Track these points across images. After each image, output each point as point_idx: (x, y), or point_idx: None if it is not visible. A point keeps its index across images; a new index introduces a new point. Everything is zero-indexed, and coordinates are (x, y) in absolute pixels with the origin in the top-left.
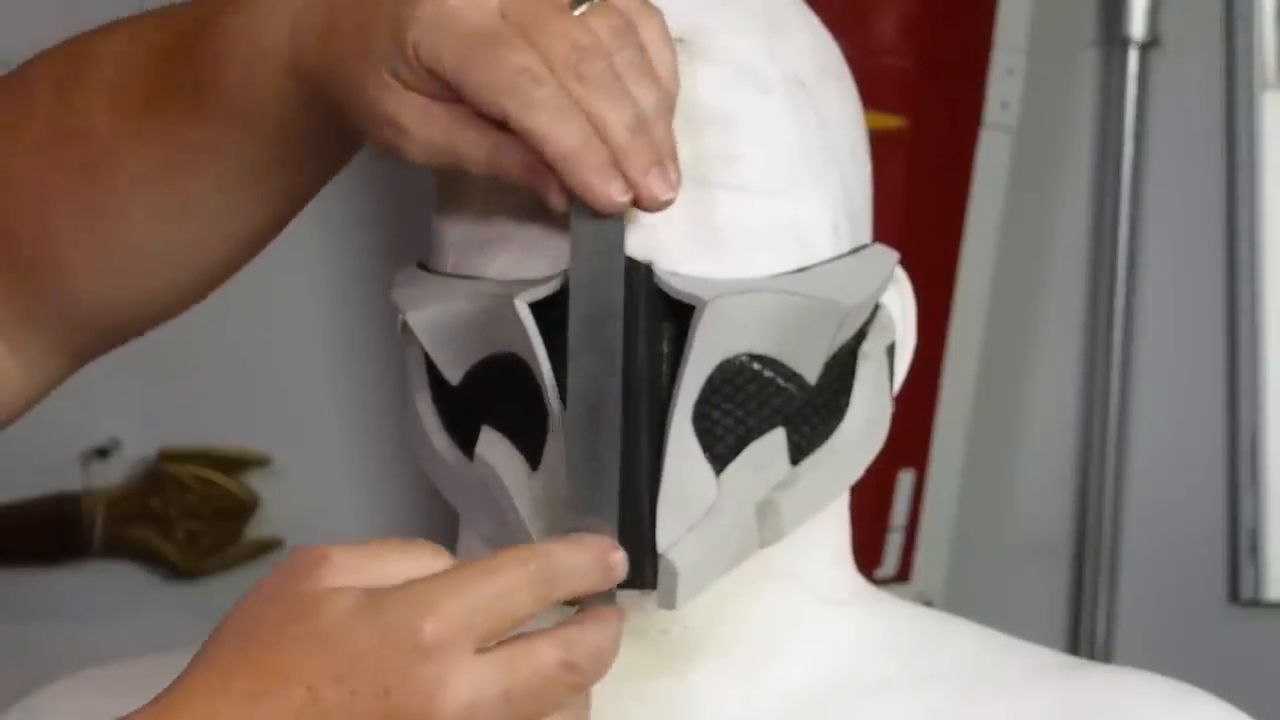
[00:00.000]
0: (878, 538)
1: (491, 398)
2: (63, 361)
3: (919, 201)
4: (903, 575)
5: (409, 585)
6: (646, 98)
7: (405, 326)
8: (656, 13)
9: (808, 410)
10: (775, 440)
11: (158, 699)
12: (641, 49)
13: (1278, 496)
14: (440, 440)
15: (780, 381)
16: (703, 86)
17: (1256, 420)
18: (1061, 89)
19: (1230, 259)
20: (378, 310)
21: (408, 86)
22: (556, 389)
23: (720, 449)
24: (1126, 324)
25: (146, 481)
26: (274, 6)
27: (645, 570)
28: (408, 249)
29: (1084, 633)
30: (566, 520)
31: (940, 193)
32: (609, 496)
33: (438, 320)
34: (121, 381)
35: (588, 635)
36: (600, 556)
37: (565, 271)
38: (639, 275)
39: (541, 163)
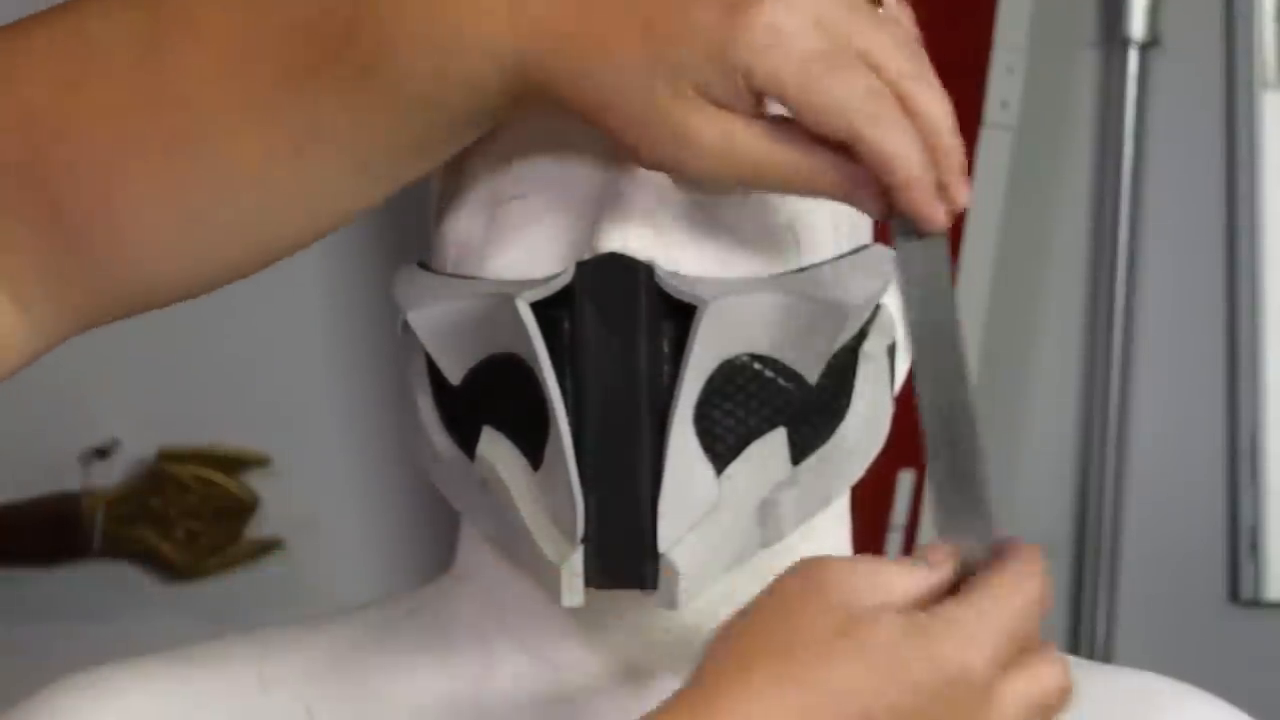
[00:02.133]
0: (878, 538)
1: (492, 398)
2: (70, 325)
3: None
4: None
5: (945, 616)
6: (944, 105)
7: (406, 326)
8: (904, 6)
9: (808, 410)
10: (776, 440)
11: (685, 699)
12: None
13: (1278, 496)
14: (441, 440)
15: (781, 381)
16: None
17: (1256, 420)
18: (1061, 89)
19: (1230, 259)
20: (378, 310)
21: (718, 104)
22: (559, 389)
23: (721, 449)
24: (1126, 324)
25: (146, 481)
26: None
27: (646, 570)
28: (408, 249)
29: (1084, 633)
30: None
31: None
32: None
33: (439, 320)
34: (121, 381)
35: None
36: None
37: (566, 271)
38: (639, 275)
39: (870, 180)
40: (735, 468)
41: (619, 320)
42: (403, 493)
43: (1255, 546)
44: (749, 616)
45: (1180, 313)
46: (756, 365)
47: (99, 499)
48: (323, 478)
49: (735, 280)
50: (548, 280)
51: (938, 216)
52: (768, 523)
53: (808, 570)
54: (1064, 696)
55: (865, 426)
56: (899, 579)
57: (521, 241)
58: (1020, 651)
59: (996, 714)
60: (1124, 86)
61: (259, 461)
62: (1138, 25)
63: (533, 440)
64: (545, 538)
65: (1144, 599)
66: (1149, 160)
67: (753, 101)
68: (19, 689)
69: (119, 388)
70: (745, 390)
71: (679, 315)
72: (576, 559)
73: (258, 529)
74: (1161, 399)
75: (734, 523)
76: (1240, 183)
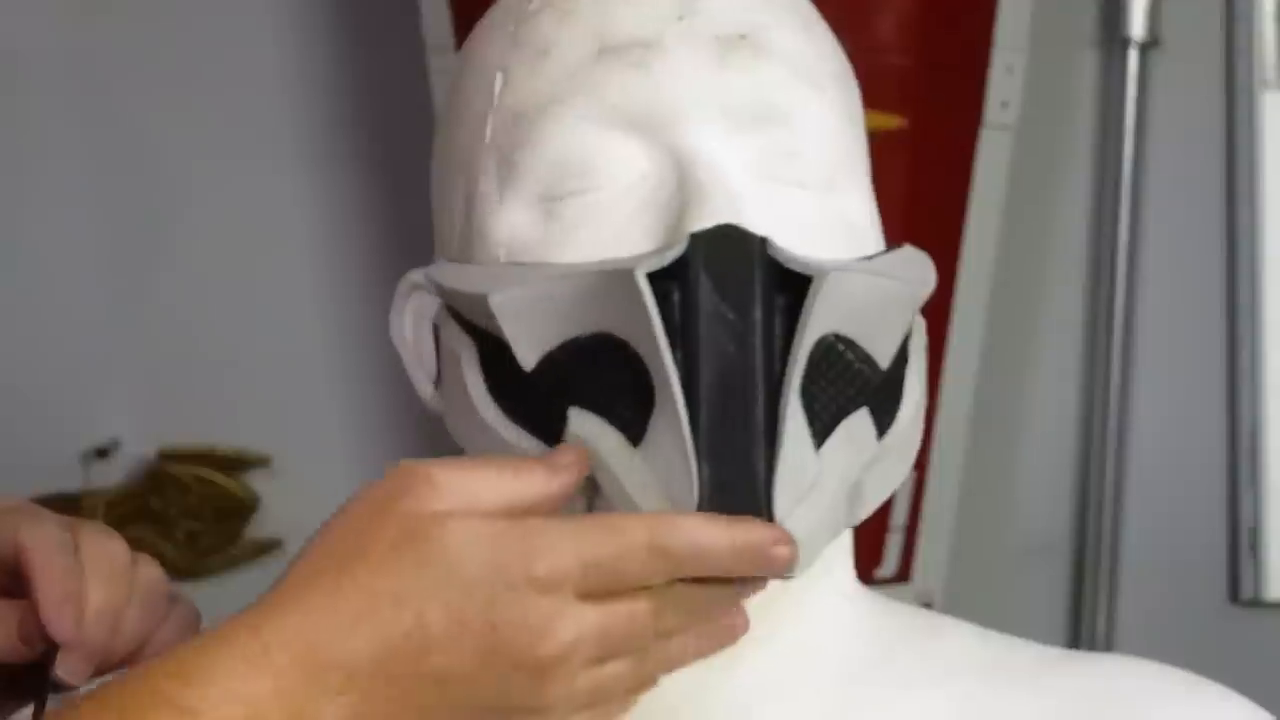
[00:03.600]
0: (878, 538)
1: (580, 378)
2: None
3: (919, 201)
4: (903, 575)
5: (526, 523)
6: None
7: (447, 319)
8: None
9: (881, 393)
10: (863, 418)
11: (254, 608)
12: None
13: (1278, 496)
14: (510, 433)
15: (860, 364)
16: (766, 84)
17: (1256, 419)
18: (1061, 89)
19: (1230, 259)
20: (378, 310)
21: None
22: (674, 362)
23: (818, 425)
24: (1126, 324)
25: (146, 481)
26: None
27: None
28: (408, 249)
29: (1084, 633)
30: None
31: (940, 193)
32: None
33: (525, 303)
34: (121, 381)
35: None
36: (756, 546)
37: (680, 244)
38: (755, 246)
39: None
40: (832, 444)
41: (735, 292)
42: None
43: (1255, 546)
44: (328, 524)
45: (1180, 313)
46: (841, 346)
47: (99, 499)
48: (323, 478)
49: (834, 260)
50: (660, 253)
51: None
52: (854, 500)
53: (391, 476)
54: (638, 665)
55: (915, 417)
56: (490, 487)
57: (590, 236)
58: (607, 592)
59: (558, 637)
60: (1124, 86)
61: (259, 461)
62: (1138, 25)
63: (632, 416)
64: (657, 508)
65: (1144, 599)
66: (1149, 160)
67: None
68: None
69: (119, 388)
70: (836, 368)
71: (784, 290)
72: None
73: (258, 529)
74: (1161, 399)
75: (834, 497)
76: (1240, 183)
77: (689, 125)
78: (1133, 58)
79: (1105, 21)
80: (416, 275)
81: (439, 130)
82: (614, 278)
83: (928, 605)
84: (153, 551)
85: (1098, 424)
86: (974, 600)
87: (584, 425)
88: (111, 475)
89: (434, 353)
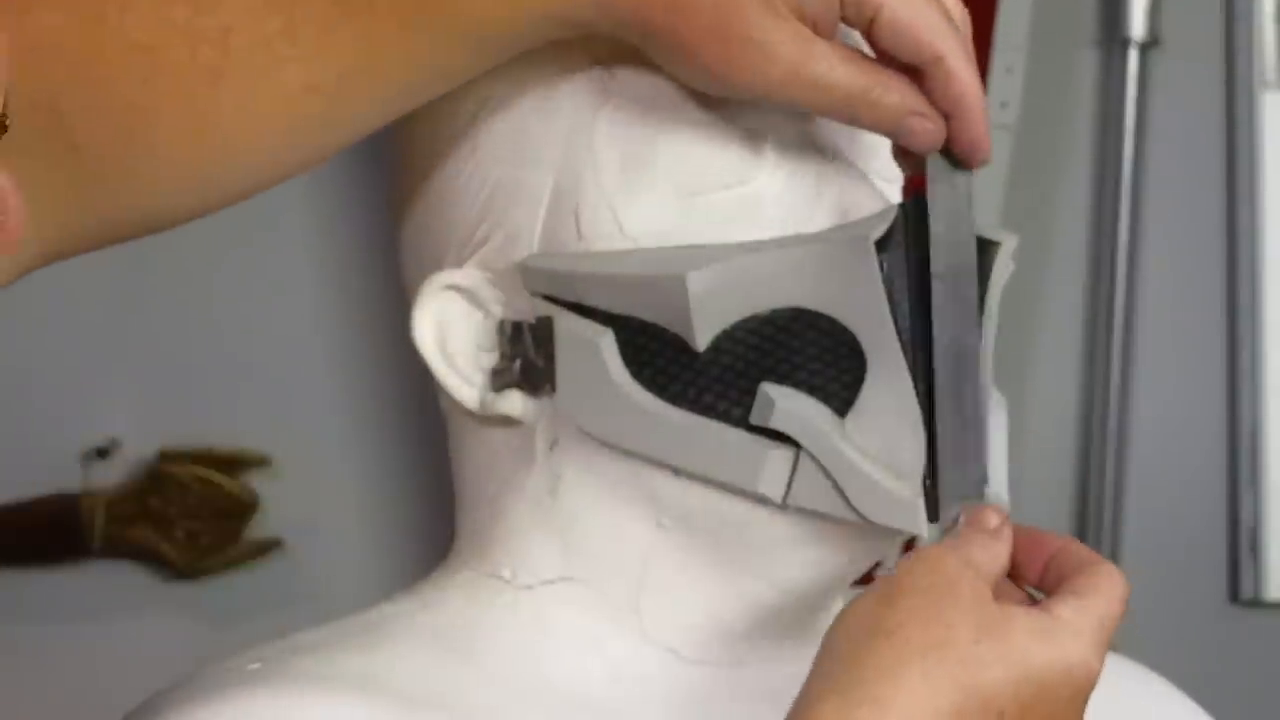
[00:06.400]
0: None
1: (770, 353)
2: (74, 248)
3: None
4: None
5: (1063, 616)
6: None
7: (562, 313)
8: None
9: None
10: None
11: (837, 688)
12: None
13: (1278, 496)
14: (679, 415)
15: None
16: None
17: (1256, 419)
18: (1061, 89)
19: (1230, 259)
20: (378, 310)
21: (803, 19)
22: (895, 330)
23: None
24: (1126, 324)
25: (146, 481)
26: None
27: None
28: None
29: None
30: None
31: None
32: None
33: (722, 282)
34: (121, 381)
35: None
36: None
37: (889, 211)
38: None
39: (927, 109)
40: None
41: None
42: (403, 493)
43: (1255, 546)
44: (895, 609)
45: (1180, 313)
46: None
47: (99, 499)
48: (323, 478)
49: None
50: (871, 222)
51: (988, 144)
52: None
53: (933, 562)
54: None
55: None
56: (988, 560)
57: (747, 228)
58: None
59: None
60: (1124, 86)
61: (259, 461)
62: (1138, 25)
63: (834, 387)
64: (882, 476)
65: (1144, 599)
66: (1149, 160)
67: (836, 23)
68: (19, 689)
69: (119, 388)
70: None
71: None
72: (920, 494)
73: (258, 529)
74: (1161, 399)
75: (1003, 459)
76: (1240, 183)
77: (818, 116)
78: (1133, 58)
79: (1105, 21)
80: (452, 276)
81: (454, 134)
82: (842, 245)
83: None
84: (153, 552)
85: (1098, 424)
86: None
87: (789, 401)
88: (111, 475)
89: (476, 353)
